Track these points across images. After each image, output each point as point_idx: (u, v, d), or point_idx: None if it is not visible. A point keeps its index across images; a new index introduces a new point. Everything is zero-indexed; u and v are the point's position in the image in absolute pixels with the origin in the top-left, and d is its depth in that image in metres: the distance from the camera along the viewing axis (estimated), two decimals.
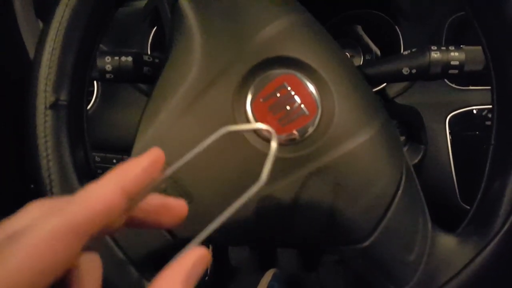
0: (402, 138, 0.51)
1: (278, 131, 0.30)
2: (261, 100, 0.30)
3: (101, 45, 0.56)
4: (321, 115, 0.30)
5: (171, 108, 0.30)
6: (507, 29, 0.30)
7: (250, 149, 0.30)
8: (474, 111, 0.54)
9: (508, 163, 0.31)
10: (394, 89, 0.56)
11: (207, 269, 0.93)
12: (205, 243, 0.22)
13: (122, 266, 0.30)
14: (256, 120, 0.30)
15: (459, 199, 0.53)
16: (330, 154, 0.30)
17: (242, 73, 0.30)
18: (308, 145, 0.30)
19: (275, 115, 0.30)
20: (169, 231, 0.30)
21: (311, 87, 0.30)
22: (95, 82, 0.57)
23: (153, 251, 0.31)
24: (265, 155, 0.30)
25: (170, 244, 0.31)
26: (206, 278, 0.92)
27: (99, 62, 0.40)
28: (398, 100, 0.56)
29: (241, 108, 0.30)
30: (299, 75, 0.30)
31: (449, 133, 0.53)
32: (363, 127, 0.30)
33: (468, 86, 0.55)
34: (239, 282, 0.95)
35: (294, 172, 0.30)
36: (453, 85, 0.55)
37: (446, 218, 0.35)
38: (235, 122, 0.30)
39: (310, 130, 0.30)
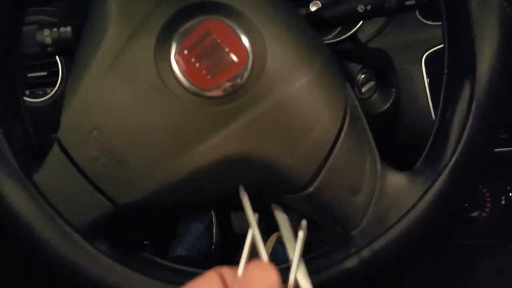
0: (372, 83, 0.49)
1: (206, 84, 0.28)
2: (185, 52, 0.28)
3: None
4: (253, 62, 0.28)
5: (92, 72, 0.29)
6: None
7: (175, 100, 0.28)
8: None
9: (457, 90, 0.29)
10: (366, 33, 0.53)
11: (212, 239, 0.95)
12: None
13: (68, 236, 0.30)
14: (183, 74, 0.28)
15: None
16: (265, 102, 0.28)
17: (161, 23, 0.28)
18: (240, 95, 0.28)
19: (201, 66, 0.28)
20: (110, 199, 0.30)
21: (240, 33, 0.28)
22: (58, 62, 0.56)
23: (96, 219, 0.30)
24: (189, 103, 0.28)
25: (112, 211, 0.30)
26: (213, 247, 0.93)
27: (38, 36, 0.38)
28: (371, 44, 0.53)
29: (165, 62, 0.28)
30: (225, 20, 0.28)
31: (426, 73, 0.50)
32: (298, 70, 0.29)
33: None
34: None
35: (228, 125, 0.28)
36: (428, 22, 0.52)
37: None
38: (160, 77, 0.28)
39: (242, 79, 0.28)
